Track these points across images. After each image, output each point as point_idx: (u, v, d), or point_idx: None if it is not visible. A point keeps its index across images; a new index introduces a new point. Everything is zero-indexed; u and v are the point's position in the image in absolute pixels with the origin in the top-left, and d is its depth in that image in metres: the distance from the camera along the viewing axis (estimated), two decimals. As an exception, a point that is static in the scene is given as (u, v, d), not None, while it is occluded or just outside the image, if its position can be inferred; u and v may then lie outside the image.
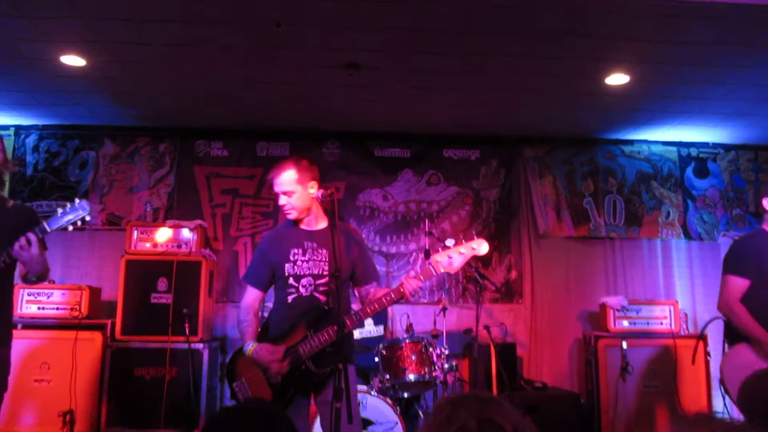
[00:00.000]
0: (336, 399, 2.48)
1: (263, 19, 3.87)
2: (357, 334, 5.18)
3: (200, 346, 4.98)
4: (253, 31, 4.04)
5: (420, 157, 6.15)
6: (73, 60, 4.45)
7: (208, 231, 5.73)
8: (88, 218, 2.97)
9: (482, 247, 2.83)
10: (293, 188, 3.00)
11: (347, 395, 2.50)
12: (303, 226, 3.10)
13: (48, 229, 2.84)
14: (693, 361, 5.11)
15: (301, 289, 3.01)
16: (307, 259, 3.03)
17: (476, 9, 3.72)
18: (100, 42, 4.19)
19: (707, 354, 5.37)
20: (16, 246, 2.75)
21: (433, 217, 6.02)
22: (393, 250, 5.95)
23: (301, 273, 3.01)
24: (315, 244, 3.05)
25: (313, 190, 3.03)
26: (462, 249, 2.83)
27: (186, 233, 5.30)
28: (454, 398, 1.35)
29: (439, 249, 2.90)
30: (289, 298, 3.02)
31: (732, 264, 3.48)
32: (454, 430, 1.24)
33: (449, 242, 2.90)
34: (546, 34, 4.05)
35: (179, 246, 5.26)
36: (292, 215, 3.05)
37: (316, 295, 3.01)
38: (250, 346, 2.95)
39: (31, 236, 2.77)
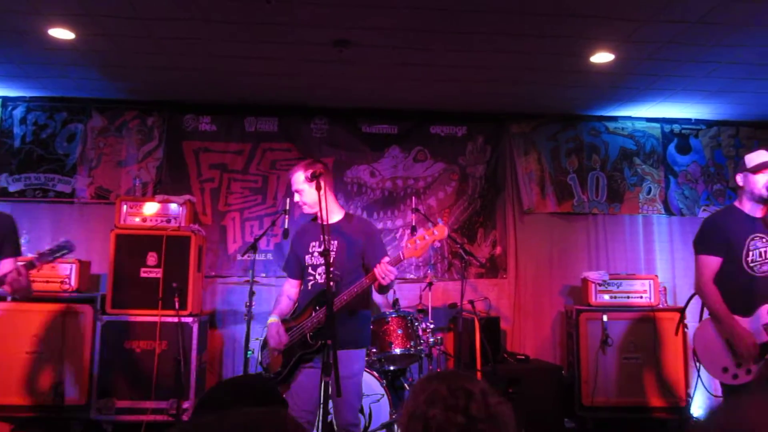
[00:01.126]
0: (324, 373, 2.59)
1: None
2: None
3: (190, 320, 5.05)
4: (243, 7, 4.04)
5: (407, 133, 6.19)
6: (61, 33, 4.43)
7: (197, 206, 5.77)
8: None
9: (440, 231, 3.14)
10: (302, 187, 3.36)
11: (335, 370, 2.60)
12: (320, 221, 3.36)
13: (36, 265, 3.22)
14: (676, 333, 5.30)
15: (318, 277, 3.37)
16: (321, 250, 3.29)
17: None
18: (88, 15, 4.18)
19: (685, 326, 5.53)
20: (9, 277, 3.14)
21: (419, 193, 6.09)
22: (380, 226, 6.02)
23: (318, 263, 3.38)
24: (328, 237, 3.29)
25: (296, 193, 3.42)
26: (425, 234, 3.13)
27: (175, 208, 5.33)
28: (430, 374, 1.47)
29: (417, 232, 3.28)
30: (309, 285, 3.41)
31: (701, 244, 3.55)
32: (425, 397, 1.34)
33: (419, 231, 3.34)
34: (532, 13, 4.09)
35: (168, 221, 5.30)
36: (305, 210, 3.44)
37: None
38: (270, 319, 3.40)
39: (23, 270, 3.15)
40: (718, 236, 3.48)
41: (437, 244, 6.05)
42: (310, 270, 3.42)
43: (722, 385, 3.46)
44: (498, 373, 4.89)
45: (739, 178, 3.54)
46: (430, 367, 4.99)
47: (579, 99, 5.88)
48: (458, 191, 6.18)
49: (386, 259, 3.18)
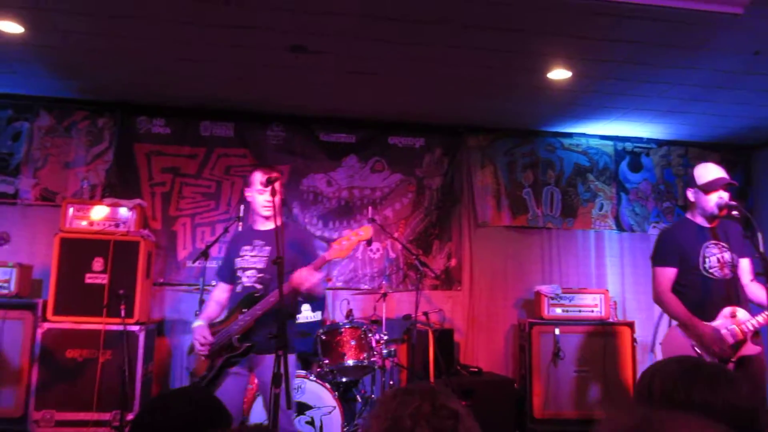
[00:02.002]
0: (275, 385, 2.52)
1: (211, -3, 3.79)
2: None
3: (136, 328, 4.89)
4: (199, 7, 3.95)
5: (365, 143, 6.16)
6: (9, 26, 4.24)
7: (147, 210, 5.61)
8: None
9: (366, 232, 3.19)
10: (256, 190, 3.45)
11: (287, 382, 2.55)
12: (256, 227, 3.56)
13: None
14: (612, 348, 5.43)
15: (245, 279, 3.42)
16: (254, 254, 3.44)
17: (423, -1, 3.75)
18: (40, 9, 4.01)
19: (634, 340, 5.63)
20: None
21: (376, 203, 6.06)
22: (335, 235, 5.95)
23: (248, 266, 3.43)
24: (262, 242, 3.45)
25: (248, 194, 3.53)
26: (351, 235, 3.19)
27: (124, 212, 5.17)
28: (406, 387, 1.42)
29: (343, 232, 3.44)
30: (238, 288, 3.46)
31: (657, 256, 3.71)
32: (410, 412, 1.29)
33: (345, 232, 3.34)
34: (490, 27, 4.11)
35: (117, 225, 5.13)
36: (262, 213, 3.49)
37: (256, 285, 3.39)
38: (196, 323, 3.45)
39: None
40: (672, 248, 3.63)
41: (391, 255, 6.03)
42: (239, 273, 3.46)
43: None
44: (451, 385, 4.87)
45: (691, 194, 3.67)
46: (383, 379, 4.93)
47: (536, 115, 5.96)
48: (415, 202, 6.17)
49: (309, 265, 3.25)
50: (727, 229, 3.64)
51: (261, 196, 3.42)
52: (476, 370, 5.54)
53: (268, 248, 3.40)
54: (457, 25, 4.08)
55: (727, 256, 3.56)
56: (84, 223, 5.09)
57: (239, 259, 3.47)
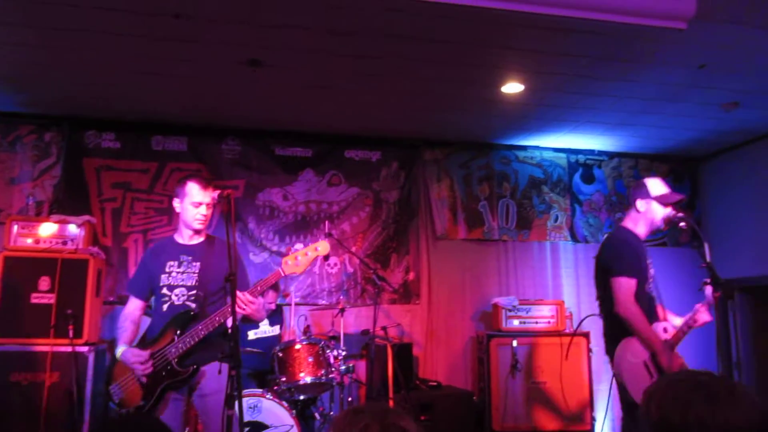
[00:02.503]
0: (228, 406, 2.45)
1: (160, 9, 3.71)
2: (252, 334, 5.10)
3: (85, 349, 4.71)
4: (149, 22, 3.87)
5: (322, 157, 6.12)
6: (-52, 39, 4.10)
7: (97, 227, 5.45)
8: None
9: (323, 247, 3.18)
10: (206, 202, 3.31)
11: (240, 403, 2.47)
12: (181, 240, 3.38)
13: None
14: (566, 357, 5.46)
15: (174, 298, 3.26)
16: (182, 271, 3.28)
17: (377, 13, 3.74)
18: (-21, 21, 3.88)
19: (589, 350, 5.70)
20: None
21: (333, 218, 6.02)
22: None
23: (176, 283, 3.26)
24: (190, 258, 3.29)
25: (177, 205, 3.34)
26: (308, 251, 3.15)
27: (73, 229, 4.99)
28: (356, 407, 1.42)
29: (296, 247, 3.27)
30: (164, 307, 3.26)
31: (619, 265, 3.50)
32: (358, 431, 1.28)
33: (298, 246, 3.30)
34: (443, 41, 4.13)
35: (65, 242, 4.95)
36: (195, 225, 3.33)
37: (189, 304, 3.24)
38: (119, 350, 3.23)
39: None
40: (634, 258, 3.49)
41: (348, 269, 5.99)
42: (165, 290, 3.25)
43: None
44: (410, 400, 4.85)
45: (641, 204, 3.58)
46: (342, 396, 4.87)
47: (490, 128, 6.02)
48: (372, 216, 6.15)
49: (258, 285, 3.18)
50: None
51: (195, 209, 3.26)
52: (435, 384, 5.53)
53: (197, 264, 3.26)
54: (411, 39, 4.09)
55: (653, 270, 3.58)
56: (30, 240, 4.90)
57: (165, 275, 3.27)
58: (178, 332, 3.12)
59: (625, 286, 3.42)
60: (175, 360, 3.08)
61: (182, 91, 5.06)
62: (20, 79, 4.86)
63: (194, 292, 3.23)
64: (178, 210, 3.35)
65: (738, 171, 6.48)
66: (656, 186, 3.59)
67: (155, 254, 3.38)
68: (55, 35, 4.07)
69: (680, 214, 3.53)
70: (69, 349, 4.60)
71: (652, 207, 3.56)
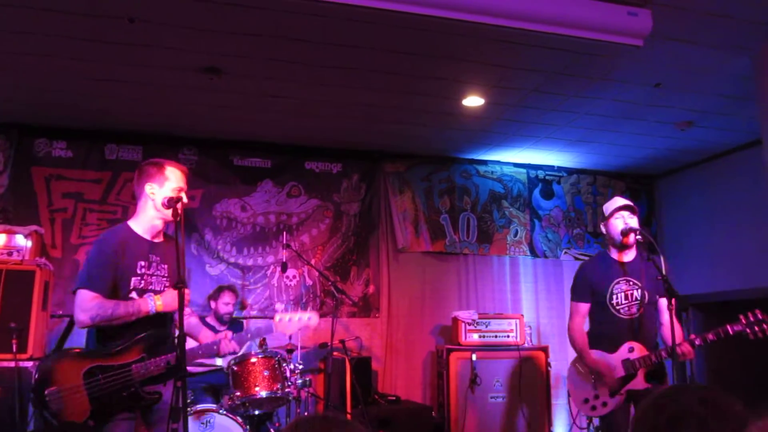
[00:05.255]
0: (172, 420, 2.33)
1: (114, 12, 3.62)
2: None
3: (30, 364, 4.52)
4: (102, 25, 3.76)
5: (281, 168, 6.05)
6: None
7: (45, 237, 5.26)
8: None
9: (313, 321, 3.20)
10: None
11: (184, 418, 2.36)
12: (147, 236, 2.94)
13: None
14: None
15: None
16: (151, 273, 2.91)
17: (335, 22, 3.71)
18: None
19: (548, 365, 5.71)
20: None
21: (292, 229, 5.94)
22: (250, 262, 5.79)
23: (146, 288, 2.89)
24: (158, 259, 2.94)
25: (152, 191, 2.91)
26: (303, 317, 3.14)
27: (20, 240, 4.80)
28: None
29: (288, 309, 3.25)
30: None
31: (573, 291, 3.87)
32: None
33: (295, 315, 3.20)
34: (404, 52, 4.13)
35: (10, 254, 4.76)
36: (156, 219, 2.97)
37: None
38: (154, 300, 2.82)
39: None
40: (584, 283, 3.79)
41: (307, 282, 5.91)
42: (134, 294, 2.83)
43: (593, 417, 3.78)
44: (368, 415, 4.76)
45: (603, 228, 3.81)
46: (298, 411, 4.76)
47: (452, 141, 6.03)
48: (332, 228, 6.09)
49: (231, 335, 3.04)
50: (645, 268, 3.66)
51: (176, 196, 2.87)
52: (394, 398, 5.46)
53: (165, 266, 2.93)
54: (370, 49, 4.07)
55: (637, 293, 3.64)
56: (-27, 251, 4.70)
57: (137, 278, 2.85)
58: (147, 353, 2.76)
59: (573, 310, 3.83)
60: (139, 382, 2.73)
61: (137, 99, 4.94)
62: (-34, 83, 4.69)
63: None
64: (152, 197, 2.89)
65: (693, 189, 6.62)
66: (608, 205, 3.78)
67: (122, 249, 2.83)
68: (2, 37, 3.93)
69: (635, 226, 3.60)
70: (12, 364, 4.41)
71: (609, 225, 3.73)
